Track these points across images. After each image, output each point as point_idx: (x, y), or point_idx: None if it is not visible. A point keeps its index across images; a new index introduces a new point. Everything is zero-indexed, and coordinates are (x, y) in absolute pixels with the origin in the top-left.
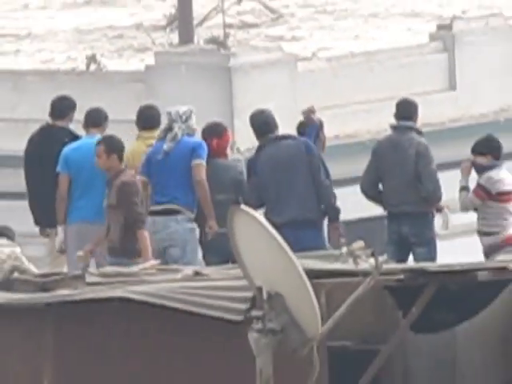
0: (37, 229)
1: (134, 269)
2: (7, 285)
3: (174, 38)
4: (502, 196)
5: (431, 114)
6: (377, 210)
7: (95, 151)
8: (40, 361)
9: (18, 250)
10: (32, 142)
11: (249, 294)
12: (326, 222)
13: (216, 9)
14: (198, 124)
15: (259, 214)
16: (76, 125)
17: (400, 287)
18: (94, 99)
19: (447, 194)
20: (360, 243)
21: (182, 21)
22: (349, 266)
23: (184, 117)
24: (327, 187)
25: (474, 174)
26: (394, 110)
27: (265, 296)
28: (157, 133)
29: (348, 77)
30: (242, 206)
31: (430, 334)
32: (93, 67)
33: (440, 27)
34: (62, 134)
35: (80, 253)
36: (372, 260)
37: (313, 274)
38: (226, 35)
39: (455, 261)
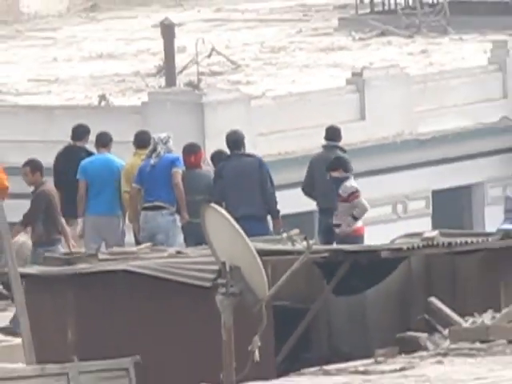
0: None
1: (133, 249)
2: (43, 261)
3: (162, 82)
4: (349, 197)
5: (347, 136)
6: (309, 207)
7: (22, 171)
8: (64, 317)
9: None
10: (59, 157)
11: (216, 267)
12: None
13: (192, 61)
14: (178, 145)
15: (224, 210)
16: (90, 145)
17: (325, 262)
18: (104, 126)
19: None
20: (296, 231)
21: (168, 70)
22: (287, 247)
23: (164, 140)
24: (271, 194)
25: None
26: (322, 134)
27: (227, 269)
28: (147, 151)
29: (288, 110)
30: (212, 204)
31: (346, 296)
32: (103, 103)
33: (354, 74)
34: (80, 152)
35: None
36: (304, 243)
37: (262, 253)
38: (199, 80)
39: (365, 243)
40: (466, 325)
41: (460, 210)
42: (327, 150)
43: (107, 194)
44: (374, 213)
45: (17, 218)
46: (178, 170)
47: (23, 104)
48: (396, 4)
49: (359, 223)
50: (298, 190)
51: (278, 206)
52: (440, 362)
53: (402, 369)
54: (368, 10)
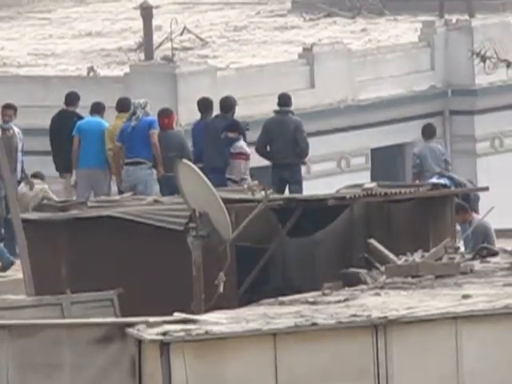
0: (57, 173)
1: (117, 197)
2: (39, 208)
3: (141, 56)
4: (237, 155)
5: (299, 102)
6: (266, 162)
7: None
8: (59, 256)
9: (46, 186)
10: (53, 120)
11: (187, 214)
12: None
13: (167, 38)
14: (155, 109)
15: (195, 165)
16: (80, 109)
17: (280, 209)
18: (92, 93)
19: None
20: (255, 182)
21: (146, 46)
22: (248, 196)
23: (143, 105)
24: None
25: None
26: (276, 100)
27: (197, 214)
28: (127, 115)
29: (248, 80)
30: (184, 160)
31: (298, 238)
32: (91, 74)
33: (304, 50)
34: (71, 116)
35: None
36: (263, 192)
37: (226, 201)
38: (173, 55)
39: (314, 193)
40: (399, 262)
41: (394, 165)
42: (280, 115)
43: (97, 150)
44: (321, 166)
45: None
46: (155, 131)
47: (24, 74)
48: None
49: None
50: None
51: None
52: (377, 294)
53: (345, 300)
54: None
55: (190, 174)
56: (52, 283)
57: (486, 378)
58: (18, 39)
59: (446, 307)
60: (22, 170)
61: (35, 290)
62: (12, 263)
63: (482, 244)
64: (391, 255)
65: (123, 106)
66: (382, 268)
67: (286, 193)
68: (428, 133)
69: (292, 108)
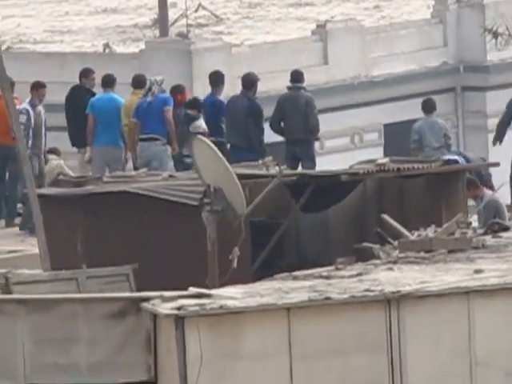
0: (73, 149)
1: (132, 173)
2: (55, 183)
3: (157, 33)
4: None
5: (312, 78)
6: (279, 138)
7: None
8: (74, 230)
9: (62, 162)
10: (68, 96)
11: (202, 189)
12: None
13: (182, 15)
14: (170, 85)
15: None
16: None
17: (294, 184)
18: (107, 70)
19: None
20: (269, 158)
21: (161, 23)
22: (262, 171)
23: (159, 82)
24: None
25: None
26: (289, 77)
27: (212, 190)
28: (143, 91)
29: (263, 56)
30: (199, 136)
31: (312, 213)
32: (107, 51)
33: (318, 26)
34: (84, 91)
35: None
36: (277, 168)
37: (241, 177)
38: (188, 31)
39: (327, 168)
40: (412, 237)
41: (407, 141)
42: (293, 91)
43: (111, 127)
44: (334, 142)
45: None
46: (170, 108)
47: (40, 51)
48: None
49: None
50: None
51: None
52: (390, 269)
53: (358, 274)
54: None
55: (204, 149)
56: (68, 258)
57: (498, 351)
58: (34, 16)
59: (459, 282)
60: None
61: (51, 264)
62: None
63: (493, 219)
64: (404, 230)
65: (138, 82)
66: (395, 243)
67: (300, 168)
68: (428, 107)
69: (305, 84)
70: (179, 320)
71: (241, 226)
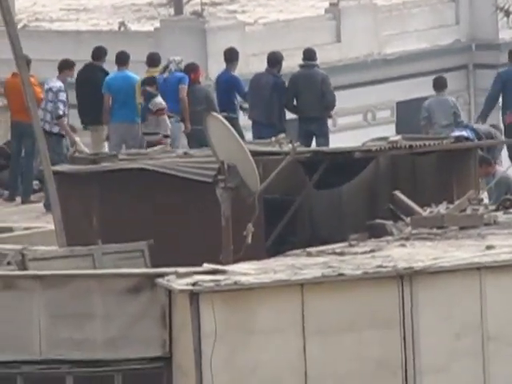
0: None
1: (148, 150)
2: (71, 160)
3: (171, 11)
4: (157, 111)
5: (325, 56)
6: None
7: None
8: (90, 207)
9: (78, 139)
10: (80, 73)
11: (216, 166)
12: None
13: None
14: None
15: (222, 117)
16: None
17: (307, 161)
18: (123, 48)
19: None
20: (283, 135)
21: (176, 1)
22: (276, 148)
23: (177, 61)
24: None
25: None
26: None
27: (226, 167)
28: (158, 69)
29: (276, 35)
30: (213, 113)
31: (325, 190)
32: (122, 29)
33: (331, 4)
34: (97, 70)
35: None
36: (290, 145)
37: (254, 154)
38: (203, 10)
39: (340, 146)
40: (424, 214)
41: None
42: (306, 69)
43: (128, 104)
44: (347, 120)
45: None
46: (184, 87)
47: (56, 29)
48: None
49: None
50: None
51: None
52: (403, 245)
53: (371, 250)
54: None
55: (218, 126)
56: (83, 234)
57: (509, 326)
58: None
59: (470, 258)
60: None
61: (67, 241)
62: None
63: (505, 196)
64: (416, 207)
65: (153, 60)
66: (408, 219)
67: (313, 146)
68: (439, 85)
69: (318, 62)
70: (194, 296)
71: (255, 203)
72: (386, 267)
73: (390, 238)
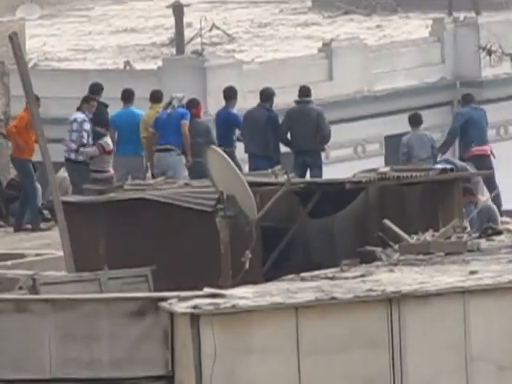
0: None
1: (151, 181)
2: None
3: (173, 51)
4: (111, 151)
5: (318, 93)
6: (287, 149)
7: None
8: (97, 235)
9: (66, 174)
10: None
11: (215, 196)
12: None
13: (197, 34)
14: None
15: (221, 150)
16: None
17: (302, 192)
18: (127, 85)
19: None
20: (279, 167)
21: (178, 41)
22: (272, 179)
23: (179, 98)
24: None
25: None
26: (297, 92)
27: (225, 197)
28: (161, 105)
29: (272, 73)
30: (212, 146)
31: (318, 219)
32: (127, 68)
33: (324, 45)
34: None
35: None
36: (285, 176)
37: (252, 184)
38: (203, 49)
39: (332, 177)
40: (412, 241)
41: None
42: (302, 104)
43: (132, 139)
44: (339, 153)
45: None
46: (186, 122)
47: (64, 68)
48: None
49: None
50: None
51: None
52: (392, 271)
53: (362, 275)
54: None
55: (217, 158)
56: (91, 260)
57: (492, 347)
58: (59, 35)
59: (455, 282)
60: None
61: (75, 266)
62: None
63: (487, 224)
64: (404, 234)
65: (156, 97)
66: (396, 246)
67: (307, 177)
68: (415, 121)
69: (312, 98)
70: (194, 318)
71: (252, 231)
72: (375, 291)
73: (379, 263)
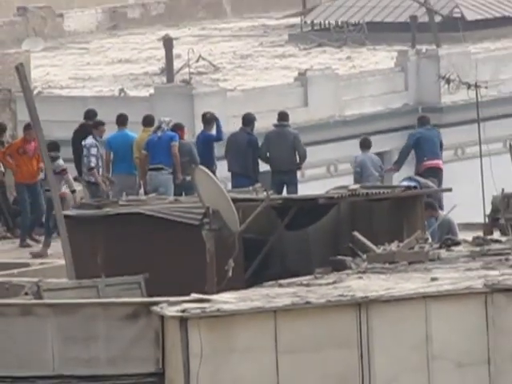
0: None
1: (144, 197)
2: (79, 206)
3: (164, 79)
4: (61, 172)
5: (295, 118)
6: (267, 168)
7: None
8: (95, 246)
9: (80, 187)
10: (76, 132)
11: (202, 211)
12: None
13: (185, 65)
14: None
15: (208, 170)
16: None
17: (279, 207)
18: (122, 110)
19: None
20: (259, 185)
21: (168, 71)
22: (253, 196)
23: (167, 122)
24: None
25: None
26: (275, 116)
27: (210, 211)
28: (152, 129)
29: (252, 99)
30: (199, 166)
31: (295, 231)
32: (122, 95)
33: (299, 74)
34: (90, 129)
35: None
36: (265, 193)
37: (235, 200)
38: (190, 78)
39: (307, 193)
40: (378, 251)
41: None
42: (280, 128)
43: (126, 159)
44: (313, 171)
45: None
46: (176, 144)
47: (65, 95)
48: (329, 24)
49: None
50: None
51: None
52: (360, 278)
53: (333, 282)
54: (309, 28)
55: (204, 177)
56: (90, 269)
57: (451, 346)
58: (60, 66)
59: (417, 288)
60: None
61: (75, 274)
62: None
63: (446, 235)
64: (372, 245)
65: (148, 121)
66: (364, 256)
67: (284, 193)
68: (365, 145)
69: (288, 123)
70: (183, 321)
71: (235, 242)
72: (346, 296)
73: (349, 271)
